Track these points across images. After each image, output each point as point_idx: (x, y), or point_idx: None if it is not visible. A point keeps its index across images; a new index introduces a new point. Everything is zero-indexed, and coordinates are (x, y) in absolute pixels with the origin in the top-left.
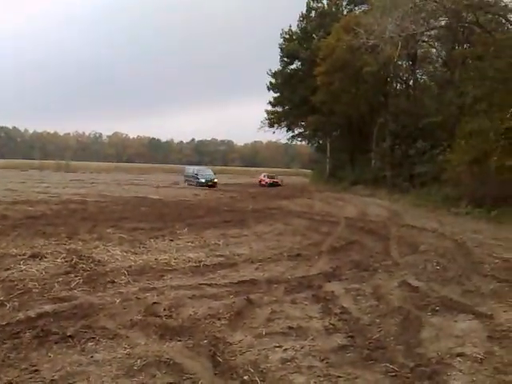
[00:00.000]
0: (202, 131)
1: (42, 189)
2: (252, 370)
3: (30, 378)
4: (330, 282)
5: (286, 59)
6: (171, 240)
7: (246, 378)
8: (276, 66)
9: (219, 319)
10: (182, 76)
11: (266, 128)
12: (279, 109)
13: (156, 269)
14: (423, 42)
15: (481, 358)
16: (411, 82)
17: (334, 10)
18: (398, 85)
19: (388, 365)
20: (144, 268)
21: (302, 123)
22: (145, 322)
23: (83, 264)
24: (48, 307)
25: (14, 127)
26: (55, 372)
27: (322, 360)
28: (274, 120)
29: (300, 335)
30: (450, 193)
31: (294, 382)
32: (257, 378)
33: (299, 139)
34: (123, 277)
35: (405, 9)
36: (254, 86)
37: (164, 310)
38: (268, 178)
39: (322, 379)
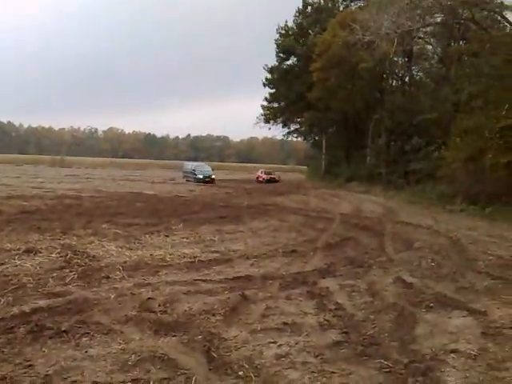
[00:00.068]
0: (197, 127)
1: (37, 184)
2: (247, 366)
3: (24, 373)
4: (324, 278)
5: (281, 55)
6: (166, 236)
7: (240, 373)
8: (273, 61)
9: (214, 315)
10: (179, 71)
11: (262, 124)
12: (275, 105)
13: (151, 264)
14: (419, 38)
15: (474, 355)
16: (407, 79)
17: (330, 5)
18: (394, 81)
19: (382, 361)
20: (139, 263)
21: (298, 119)
22: (139, 318)
23: (78, 259)
24: (42, 302)
25: (9, 122)
26: (49, 367)
27: (317, 356)
28: (269, 116)
29: (294, 331)
30: (445, 190)
31: (289, 378)
32: (251, 374)
33: (295, 135)
34: (118, 272)
35: (401, 5)
36: (251, 82)
37: (159, 305)
38: (265, 174)
39: (316, 375)
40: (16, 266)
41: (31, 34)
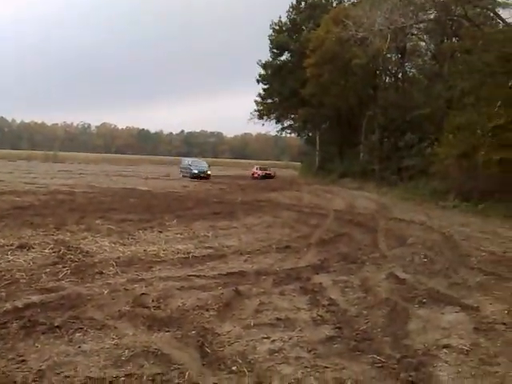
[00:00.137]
0: (191, 122)
1: (30, 179)
2: (240, 361)
3: (17, 368)
4: (318, 274)
5: (275, 50)
6: (160, 231)
7: (234, 368)
8: (267, 57)
9: (208, 310)
10: (172, 66)
11: (256, 120)
12: (269, 100)
13: (144, 260)
14: (412, 35)
15: (467, 350)
16: (400, 75)
17: (323, 1)
18: (387, 78)
19: (375, 356)
20: (132, 259)
21: (292, 116)
22: (133, 313)
23: (71, 255)
24: (35, 298)
25: (2, 117)
26: (42, 362)
27: (310, 351)
28: (263, 112)
29: (288, 326)
30: (438, 186)
31: (282, 373)
32: (245, 369)
33: (289, 131)
34: (111, 268)
35: (394, 1)
36: (245, 78)
37: (152, 301)
38: (260, 170)
39: (309, 370)
40: (9, 261)
41: (20, 29)
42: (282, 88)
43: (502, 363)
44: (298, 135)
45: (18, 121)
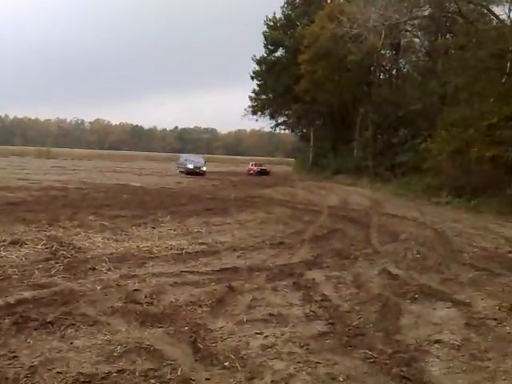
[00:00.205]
0: (185, 119)
1: (23, 175)
2: (233, 357)
3: (9, 365)
4: (311, 269)
5: (270, 46)
6: (153, 228)
7: (226, 364)
8: (262, 53)
9: (200, 306)
10: (165, 63)
11: (250, 116)
12: (263, 96)
13: (138, 256)
14: (406, 31)
15: (458, 345)
16: (394, 72)
17: None
18: (381, 74)
19: (367, 351)
20: (125, 255)
21: (286, 112)
22: (125, 309)
23: (64, 251)
24: (28, 294)
25: None
26: (34, 358)
27: (302, 346)
28: (257, 108)
29: (280, 322)
30: (431, 182)
31: (274, 368)
32: (237, 364)
33: (283, 127)
34: (104, 264)
35: None
36: (239, 74)
37: (145, 296)
38: (256, 166)
39: (301, 365)
40: (1, 257)
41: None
42: (276, 84)
43: (493, 358)
44: (292, 131)
45: (11, 116)
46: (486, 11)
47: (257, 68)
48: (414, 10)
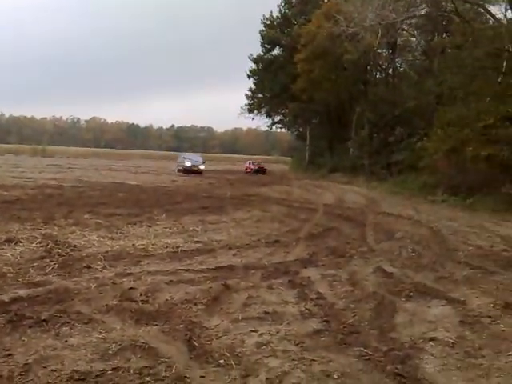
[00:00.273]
0: (181, 117)
1: (18, 173)
2: (228, 354)
3: (3, 362)
4: (306, 268)
5: (266, 45)
6: (149, 226)
7: (221, 361)
8: (258, 51)
9: (196, 304)
10: (162, 61)
11: (246, 114)
12: (259, 95)
13: (133, 254)
14: (403, 30)
15: (452, 343)
16: (391, 71)
17: None
18: (378, 73)
19: (362, 349)
20: (121, 253)
21: (282, 111)
22: (120, 307)
23: (59, 249)
24: (22, 292)
25: None
26: (29, 356)
27: (297, 344)
28: (253, 106)
29: (276, 320)
30: (427, 181)
31: (269, 366)
32: (232, 362)
33: (279, 126)
34: (99, 262)
35: None
36: (236, 72)
37: (140, 295)
38: (253, 164)
39: (296, 363)
40: None
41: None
42: (273, 83)
43: (487, 355)
44: (289, 130)
45: (7, 115)
46: (482, 10)
47: (253, 67)
48: (411, 10)
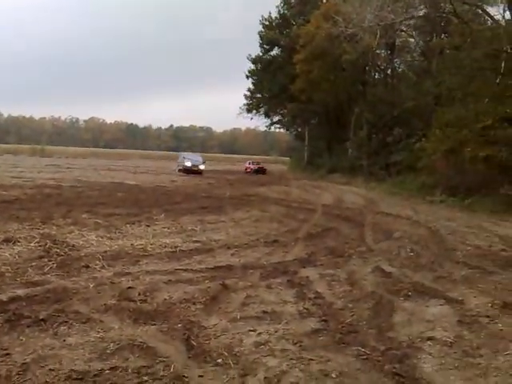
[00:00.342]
0: (180, 117)
1: (17, 173)
2: (226, 354)
3: (1, 362)
4: (305, 267)
5: (265, 46)
6: (147, 226)
7: (219, 361)
8: (257, 51)
9: (194, 304)
10: (160, 62)
11: (245, 114)
12: (258, 95)
13: (131, 254)
14: (402, 31)
15: (450, 342)
16: (389, 71)
17: None
18: (377, 74)
19: (360, 348)
20: (119, 253)
21: (281, 112)
22: (119, 307)
23: (57, 249)
24: (20, 291)
25: None
26: (27, 355)
27: (295, 343)
28: (252, 105)
29: (274, 319)
30: (425, 181)
31: (267, 365)
32: (230, 361)
33: (278, 126)
34: (98, 262)
35: None
36: (235, 72)
37: (139, 294)
38: (253, 164)
39: (294, 362)
40: None
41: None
42: (272, 83)
43: (485, 355)
44: (287, 130)
45: (6, 114)
46: (480, 11)
47: (252, 67)
48: (410, 10)
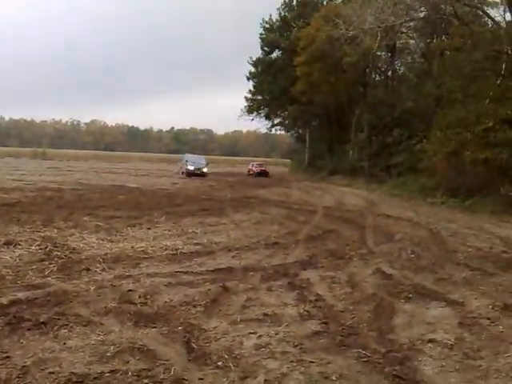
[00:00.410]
0: (181, 120)
1: (18, 176)
2: (226, 356)
3: (1, 365)
4: (305, 269)
5: (266, 48)
6: (148, 228)
7: (219, 363)
8: (258, 54)
9: (195, 306)
10: (161, 64)
11: (246, 116)
12: (259, 97)
13: (132, 256)
14: (402, 33)
15: (451, 344)
16: (390, 73)
17: None
18: (377, 76)
19: (360, 350)
20: (120, 256)
21: (282, 114)
22: (119, 309)
23: (58, 251)
24: (21, 294)
25: None
26: (27, 358)
27: (296, 346)
28: (253, 107)
29: (275, 322)
30: (426, 183)
31: (268, 368)
32: (230, 364)
33: (279, 128)
34: (98, 264)
35: (384, 0)
36: (236, 75)
37: (139, 297)
38: (255, 167)
39: (295, 364)
40: None
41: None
42: (273, 85)
43: (486, 357)
44: (288, 132)
45: (7, 118)
46: (481, 13)
47: (253, 69)
48: (410, 13)
